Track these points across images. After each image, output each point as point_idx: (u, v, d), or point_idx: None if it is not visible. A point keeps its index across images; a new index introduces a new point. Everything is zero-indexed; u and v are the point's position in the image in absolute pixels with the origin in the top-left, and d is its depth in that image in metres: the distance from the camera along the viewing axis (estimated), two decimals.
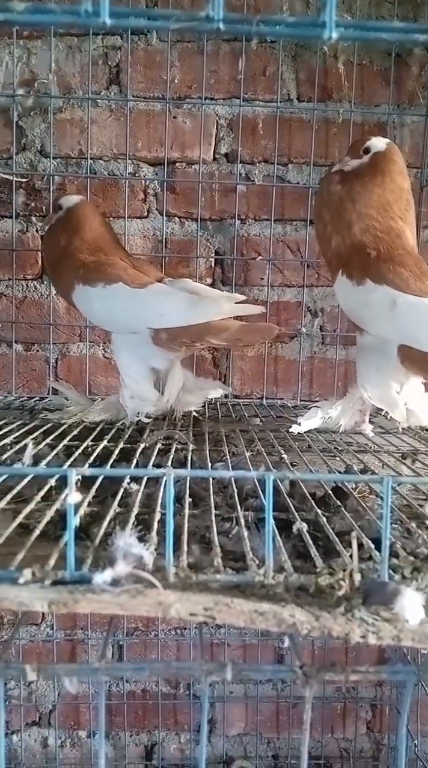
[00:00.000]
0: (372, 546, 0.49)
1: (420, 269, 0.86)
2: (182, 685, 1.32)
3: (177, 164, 1.21)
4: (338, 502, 0.62)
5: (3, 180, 1.19)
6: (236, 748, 1.35)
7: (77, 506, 0.52)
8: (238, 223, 1.22)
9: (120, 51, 1.18)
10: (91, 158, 1.19)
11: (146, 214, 1.22)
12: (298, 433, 0.91)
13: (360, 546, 0.50)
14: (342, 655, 1.31)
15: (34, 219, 1.21)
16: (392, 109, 1.20)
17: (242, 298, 0.93)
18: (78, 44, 1.17)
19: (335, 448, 0.85)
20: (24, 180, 1.19)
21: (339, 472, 0.73)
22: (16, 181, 1.19)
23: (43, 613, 1.26)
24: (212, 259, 1.24)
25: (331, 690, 1.34)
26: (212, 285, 1.24)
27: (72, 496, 0.42)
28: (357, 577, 0.44)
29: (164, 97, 1.18)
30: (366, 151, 0.91)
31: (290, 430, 0.89)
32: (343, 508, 0.60)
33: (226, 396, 1.26)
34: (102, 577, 0.41)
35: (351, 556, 0.47)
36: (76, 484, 0.44)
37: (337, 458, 0.81)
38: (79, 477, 0.56)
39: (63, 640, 1.28)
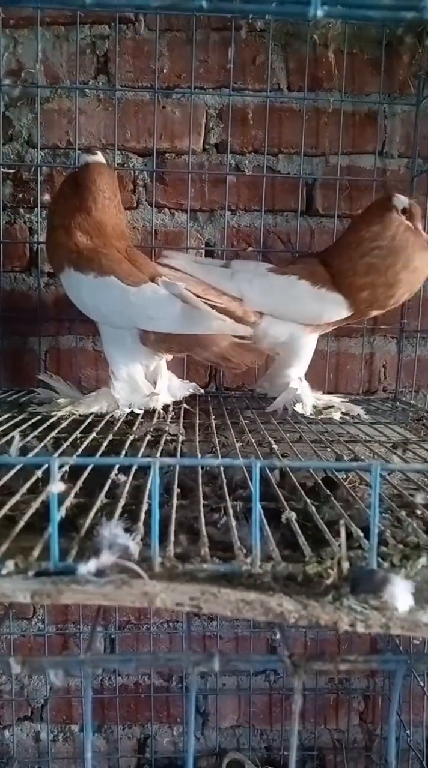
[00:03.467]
0: (362, 534, 0.49)
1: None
2: (175, 678, 1.32)
3: (166, 155, 1.20)
4: (327, 491, 0.61)
5: None
6: (229, 741, 1.35)
7: (63, 497, 0.52)
8: (228, 214, 1.21)
9: (108, 40, 1.17)
10: (79, 149, 1.17)
11: (135, 205, 1.21)
12: (290, 423, 0.92)
13: (350, 535, 0.50)
14: (335, 646, 1.32)
15: (21, 210, 1.20)
16: (383, 98, 1.19)
17: (231, 321, 0.92)
18: (65, 33, 1.16)
19: (326, 438, 0.85)
20: (11, 171, 1.18)
21: (324, 462, 0.73)
22: (3, 172, 1.17)
23: (34, 608, 1.25)
24: (203, 250, 1.23)
25: (324, 681, 1.35)
26: None
27: (55, 485, 0.41)
28: (346, 565, 0.43)
29: (152, 86, 1.16)
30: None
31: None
32: (333, 498, 0.60)
33: (217, 388, 1.26)
34: (86, 568, 0.40)
35: (340, 545, 0.46)
36: (62, 475, 0.43)
37: (328, 449, 0.80)
38: (66, 468, 0.56)
39: (54, 635, 1.28)
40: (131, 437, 0.79)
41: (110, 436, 0.79)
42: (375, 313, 1.04)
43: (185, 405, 1.02)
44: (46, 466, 0.58)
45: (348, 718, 1.36)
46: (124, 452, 0.72)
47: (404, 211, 0.97)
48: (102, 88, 1.17)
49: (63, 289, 1.20)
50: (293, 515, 0.51)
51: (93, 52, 1.17)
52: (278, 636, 0.47)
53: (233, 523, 0.51)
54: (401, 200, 0.97)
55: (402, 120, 1.21)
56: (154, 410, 0.96)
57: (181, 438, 0.81)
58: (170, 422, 0.90)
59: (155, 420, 0.91)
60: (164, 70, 1.17)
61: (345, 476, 0.67)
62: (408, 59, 1.18)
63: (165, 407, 0.99)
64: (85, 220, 0.94)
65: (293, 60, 1.19)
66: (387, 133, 1.22)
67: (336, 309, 1.01)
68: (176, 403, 1.02)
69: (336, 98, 1.18)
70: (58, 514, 0.42)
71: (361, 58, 1.19)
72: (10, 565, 0.40)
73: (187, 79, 1.16)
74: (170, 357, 1.00)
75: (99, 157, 0.97)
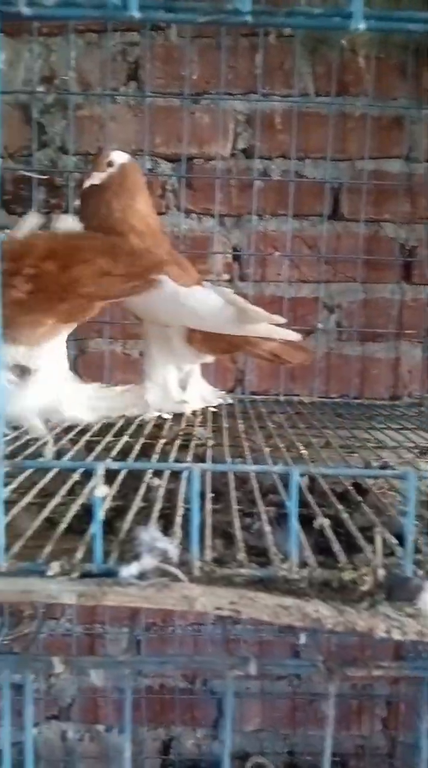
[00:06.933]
0: (394, 541, 0.49)
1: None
2: (199, 680, 1.32)
3: (195, 160, 1.21)
4: (358, 497, 0.62)
5: (23, 177, 1.19)
6: (253, 744, 1.35)
7: (103, 500, 0.53)
8: (255, 219, 1.22)
9: (138, 47, 1.18)
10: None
11: (164, 210, 1.22)
12: (316, 428, 0.92)
13: (382, 542, 0.50)
14: (359, 651, 1.31)
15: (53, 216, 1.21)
16: (409, 104, 1.19)
17: (283, 320, 0.92)
18: (97, 40, 1.17)
19: (353, 444, 0.85)
20: (44, 177, 1.20)
21: (359, 469, 0.73)
22: (36, 178, 1.19)
23: (62, 608, 1.27)
24: (230, 255, 1.24)
25: (347, 687, 1.34)
26: (230, 281, 1.24)
27: (100, 489, 0.42)
28: (381, 572, 0.44)
29: (182, 92, 1.17)
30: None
31: None
32: (363, 504, 0.60)
33: (243, 392, 1.26)
34: (129, 571, 0.41)
35: (373, 551, 0.47)
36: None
37: (355, 454, 0.80)
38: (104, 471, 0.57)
39: (82, 634, 1.29)
40: (162, 441, 0.80)
41: (142, 440, 0.80)
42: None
43: (211, 408, 1.03)
44: (82, 469, 0.59)
45: (371, 724, 1.35)
46: (155, 456, 0.73)
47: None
48: (132, 95, 1.19)
49: None
50: (327, 522, 0.52)
51: (124, 58, 1.19)
52: (301, 641, 0.47)
53: (267, 528, 0.51)
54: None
55: None
56: (182, 413, 0.97)
57: (210, 442, 0.82)
58: (198, 426, 0.91)
59: (183, 424, 0.92)
60: (194, 76, 1.18)
61: (372, 482, 0.68)
62: None
63: (193, 412, 0.99)
64: (135, 222, 0.93)
65: (321, 65, 1.19)
66: (413, 137, 1.22)
67: None
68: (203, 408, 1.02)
69: (363, 103, 1.18)
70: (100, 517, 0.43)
71: (387, 63, 1.19)
72: (55, 566, 0.41)
73: (216, 84, 1.17)
74: (209, 359, 1.01)
75: (127, 156, 0.95)
